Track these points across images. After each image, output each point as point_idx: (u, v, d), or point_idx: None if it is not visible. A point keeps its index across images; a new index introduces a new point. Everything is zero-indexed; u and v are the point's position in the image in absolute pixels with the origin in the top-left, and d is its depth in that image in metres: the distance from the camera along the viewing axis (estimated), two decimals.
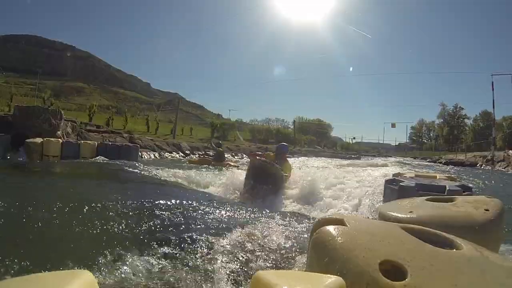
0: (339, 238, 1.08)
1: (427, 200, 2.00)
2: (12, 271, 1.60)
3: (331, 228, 1.15)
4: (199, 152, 17.24)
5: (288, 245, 2.28)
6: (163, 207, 3.02)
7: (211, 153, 13.81)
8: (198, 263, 1.90)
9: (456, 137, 49.74)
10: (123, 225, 2.45)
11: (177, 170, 7.23)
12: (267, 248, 2.17)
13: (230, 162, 11.36)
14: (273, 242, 2.31)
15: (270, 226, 2.84)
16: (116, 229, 2.35)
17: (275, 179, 5.01)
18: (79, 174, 5.32)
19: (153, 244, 2.15)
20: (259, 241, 2.31)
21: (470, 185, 3.50)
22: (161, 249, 2.10)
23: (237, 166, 9.92)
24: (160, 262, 1.91)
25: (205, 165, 9.90)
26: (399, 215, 1.71)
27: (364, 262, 0.95)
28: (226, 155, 18.94)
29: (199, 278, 1.68)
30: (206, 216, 2.87)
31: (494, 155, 18.47)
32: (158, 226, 2.53)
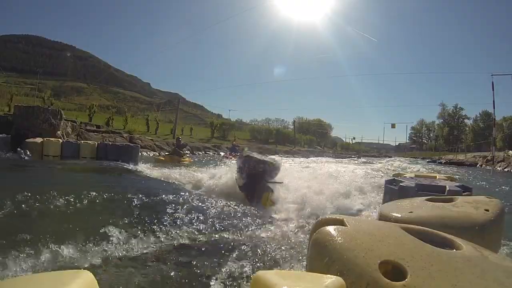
0: (339, 238, 1.08)
1: (427, 200, 1.99)
2: (12, 271, 1.60)
3: (331, 228, 1.14)
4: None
5: (288, 245, 2.28)
6: (162, 208, 3.02)
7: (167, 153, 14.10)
8: (198, 263, 1.90)
9: (456, 137, 49.58)
10: (123, 225, 2.45)
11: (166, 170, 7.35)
12: (267, 248, 2.17)
13: (185, 158, 11.50)
14: (273, 242, 2.31)
15: (269, 226, 2.84)
16: (116, 229, 2.35)
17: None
18: (78, 174, 5.33)
19: (153, 244, 2.15)
20: (259, 241, 2.31)
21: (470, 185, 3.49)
22: (161, 249, 2.10)
23: (190, 161, 10.47)
24: (160, 262, 1.91)
25: (170, 162, 10.20)
26: (399, 215, 1.71)
27: (364, 262, 0.95)
28: (222, 153, 19.15)
29: (199, 278, 1.68)
30: (205, 216, 2.87)
31: (495, 155, 18.43)
32: (158, 227, 2.53)
